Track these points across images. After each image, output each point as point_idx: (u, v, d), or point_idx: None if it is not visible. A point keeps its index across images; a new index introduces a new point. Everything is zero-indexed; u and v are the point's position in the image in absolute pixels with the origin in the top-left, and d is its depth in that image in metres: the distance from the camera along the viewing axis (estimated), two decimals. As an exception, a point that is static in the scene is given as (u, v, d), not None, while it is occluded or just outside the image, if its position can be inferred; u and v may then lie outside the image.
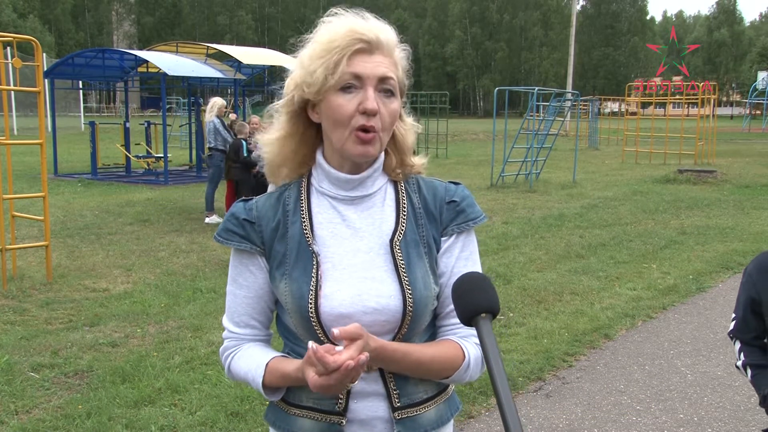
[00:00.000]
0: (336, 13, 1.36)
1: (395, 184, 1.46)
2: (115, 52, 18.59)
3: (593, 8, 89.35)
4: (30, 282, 6.72)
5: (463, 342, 1.42)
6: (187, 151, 21.15)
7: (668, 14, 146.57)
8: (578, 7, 61.70)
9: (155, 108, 43.44)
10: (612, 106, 56.37)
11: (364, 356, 1.20)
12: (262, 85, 21.73)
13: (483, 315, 1.12)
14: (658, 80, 27.21)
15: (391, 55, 1.35)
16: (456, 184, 1.49)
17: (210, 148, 10.71)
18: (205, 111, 14.54)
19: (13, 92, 19.25)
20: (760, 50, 74.66)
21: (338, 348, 1.21)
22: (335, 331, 1.21)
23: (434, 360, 1.39)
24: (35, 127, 12.21)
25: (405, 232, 1.41)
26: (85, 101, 44.28)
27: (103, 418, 3.85)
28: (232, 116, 10.64)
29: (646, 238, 9.13)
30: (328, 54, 1.30)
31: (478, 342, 1.41)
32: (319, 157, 1.42)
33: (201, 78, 17.53)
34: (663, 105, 31.95)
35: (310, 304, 1.34)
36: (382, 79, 1.32)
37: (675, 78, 35.48)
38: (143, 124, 19.20)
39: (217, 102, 10.99)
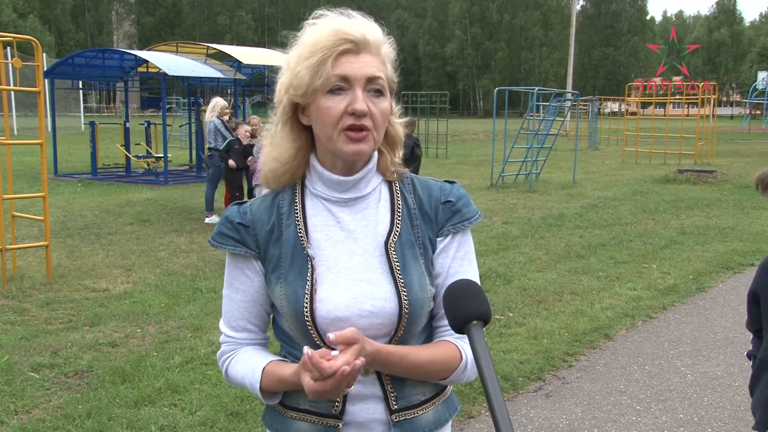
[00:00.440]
0: (321, 14, 1.35)
1: (390, 184, 1.45)
2: (115, 52, 18.59)
3: (593, 8, 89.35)
4: (30, 282, 6.72)
5: (459, 343, 1.42)
6: (187, 151, 21.15)
7: (668, 14, 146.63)
8: (578, 7, 61.72)
9: (155, 108, 43.46)
10: (612, 106, 56.38)
11: (360, 361, 1.20)
12: (262, 85, 21.72)
13: (474, 322, 1.12)
14: (658, 80, 27.22)
15: (379, 53, 1.34)
16: (451, 183, 1.48)
17: (210, 149, 10.71)
18: (205, 111, 14.55)
19: (13, 92, 19.24)
20: (760, 50, 74.66)
21: (334, 353, 1.21)
22: (330, 336, 1.20)
23: (431, 362, 1.38)
24: (35, 127, 12.22)
25: (400, 233, 1.40)
26: (85, 101, 44.29)
27: (103, 418, 3.85)
28: (225, 118, 10.62)
29: (646, 238, 9.13)
30: (313, 56, 1.29)
31: None
32: (312, 159, 1.41)
33: (201, 78, 17.53)
34: (663, 105, 31.96)
35: (306, 307, 1.33)
36: (371, 80, 1.31)
37: (675, 78, 35.49)
38: (143, 124, 19.20)
39: (218, 102, 11.00)
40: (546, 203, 12.54)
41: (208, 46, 18.40)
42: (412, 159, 10.32)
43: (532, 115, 15.80)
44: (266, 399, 1.42)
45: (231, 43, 44.57)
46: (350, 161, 1.36)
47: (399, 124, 1.46)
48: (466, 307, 1.14)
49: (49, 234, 6.95)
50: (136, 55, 17.11)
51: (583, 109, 31.22)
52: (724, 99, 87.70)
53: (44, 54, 24.78)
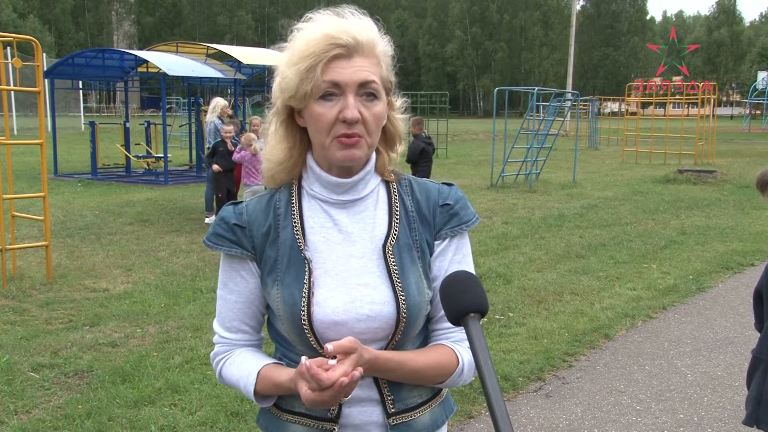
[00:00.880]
0: (311, 18, 1.34)
1: (387, 185, 1.44)
2: (115, 52, 18.59)
3: (593, 8, 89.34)
4: (30, 282, 6.72)
5: (456, 347, 1.41)
6: (187, 151, 21.14)
7: (668, 14, 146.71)
8: (578, 7, 61.71)
9: (155, 108, 43.41)
10: (612, 106, 56.36)
11: (359, 372, 1.19)
12: (262, 85, 21.71)
13: (471, 314, 1.11)
14: (658, 80, 27.20)
15: (372, 54, 1.32)
16: (449, 185, 1.47)
17: (209, 149, 10.71)
18: (205, 111, 14.55)
19: (13, 92, 19.25)
20: (760, 50, 74.64)
21: (331, 362, 1.20)
22: (329, 347, 1.19)
23: (428, 367, 1.38)
24: (35, 127, 12.23)
25: (398, 236, 1.38)
26: (85, 101, 44.30)
27: (103, 418, 3.85)
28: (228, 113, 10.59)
29: (646, 238, 9.13)
30: (302, 62, 1.27)
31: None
32: (309, 160, 1.40)
33: (201, 78, 17.52)
34: (663, 105, 31.97)
35: (303, 311, 1.32)
36: (363, 84, 1.29)
37: (675, 78, 35.50)
38: (143, 124, 19.21)
39: (219, 103, 11.00)
40: (546, 203, 12.54)
41: (208, 46, 18.39)
42: (423, 160, 10.15)
43: (532, 115, 15.80)
44: (260, 402, 1.41)
45: (231, 43, 44.59)
46: (346, 165, 1.36)
47: (400, 120, 1.44)
48: (463, 300, 1.13)
49: (49, 234, 6.94)
50: (136, 55, 17.11)
51: (583, 109, 31.22)
52: (724, 99, 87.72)
53: (44, 54, 24.78)
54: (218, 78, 17.49)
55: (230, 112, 12.16)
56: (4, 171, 7.29)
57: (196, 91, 22.66)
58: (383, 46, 1.35)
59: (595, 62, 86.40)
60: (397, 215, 1.41)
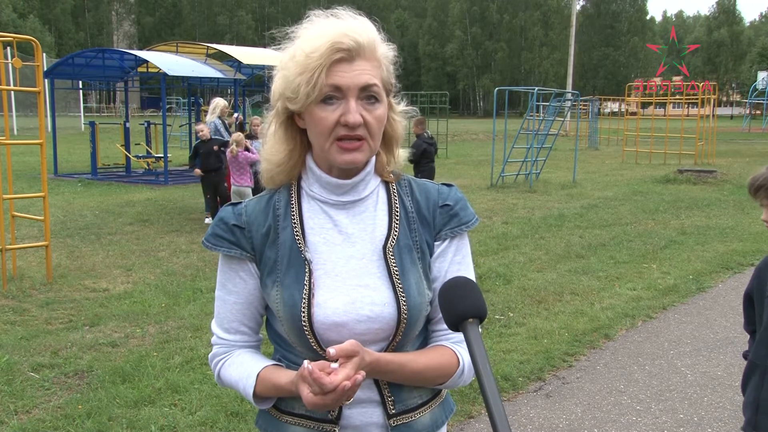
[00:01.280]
0: (310, 20, 1.33)
1: (387, 186, 1.43)
2: (115, 52, 18.59)
3: (593, 8, 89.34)
4: (30, 282, 6.72)
5: (456, 348, 1.41)
6: (187, 151, 21.12)
7: (668, 14, 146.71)
8: (578, 7, 61.72)
9: (155, 108, 43.40)
10: (612, 106, 56.37)
11: (361, 375, 1.19)
12: (262, 85, 21.71)
13: (470, 320, 1.12)
14: (658, 80, 27.20)
15: (374, 56, 1.31)
16: (449, 186, 1.47)
17: None
18: (205, 111, 14.54)
19: (13, 92, 19.25)
20: (760, 50, 74.65)
21: (333, 366, 1.19)
22: (331, 350, 1.19)
23: (429, 368, 1.38)
24: (35, 127, 12.23)
25: (398, 237, 1.38)
26: (85, 101, 44.31)
27: (103, 418, 3.85)
28: (232, 119, 10.56)
29: (646, 238, 9.13)
30: (308, 70, 1.27)
31: None
32: (309, 161, 1.40)
33: (201, 78, 17.53)
34: (663, 105, 31.97)
35: (303, 312, 1.32)
36: (364, 88, 1.29)
37: (675, 78, 35.49)
38: (143, 124, 19.21)
39: (219, 103, 10.99)
40: (546, 203, 12.54)
41: (208, 46, 18.40)
42: (425, 160, 10.10)
43: (532, 115, 15.80)
44: (258, 404, 1.41)
45: (231, 43, 44.57)
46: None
47: (400, 123, 1.43)
48: (461, 305, 1.13)
49: (49, 234, 6.94)
50: (136, 55, 17.11)
51: (583, 109, 31.23)
52: (724, 99, 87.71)
53: (44, 54, 24.78)
54: (218, 78, 17.49)
55: (230, 111, 12.17)
56: (4, 171, 7.29)
57: (196, 91, 22.67)
58: (384, 48, 1.35)
59: (595, 62, 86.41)
60: (397, 216, 1.40)
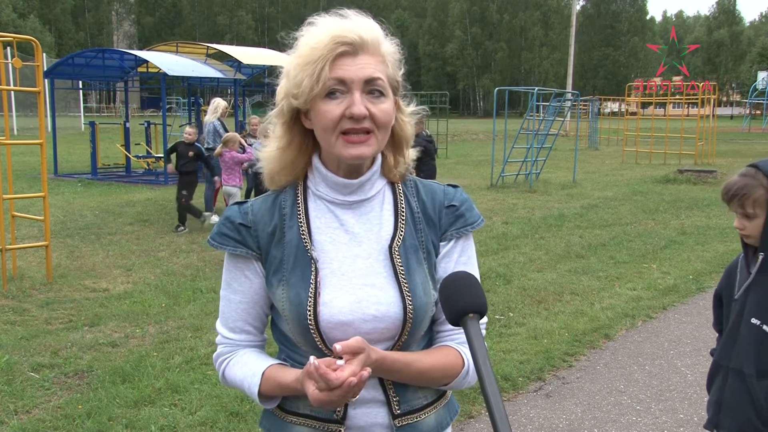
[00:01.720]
0: (314, 21, 1.33)
1: (393, 186, 1.43)
2: (115, 52, 18.59)
3: (593, 8, 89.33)
4: (30, 282, 6.72)
5: (461, 348, 1.41)
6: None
7: (668, 14, 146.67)
8: (578, 7, 61.73)
9: (155, 108, 43.39)
10: (612, 106, 56.37)
11: (367, 372, 1.19)
12: (262, 85, 21.71)
13: (470, 315, 1.12)
14: (658, 80, 27.20)
15: (378, 52, 1.32)
16: (454, 187, 1.47)
17: (208, 149, 10.71)
18: (204, 111, 14.54)
19: (13, 92, 19.25)
20: (760, 50, 74.65)
21: (339, 362, 1.20)
22: (337, 346, 1.19)
23: (434, 368, 1.38)
24: (35, 127, 12.23)
25: (404, 237, 1.38)
26: (85, 101, 44.29)
27: (103, 418, 3.85)
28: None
29: (646, 238, 9.13)
30: (311, 64, 1.27)
31: None
32: (316, 161, 1.40)
33: (201, 78, 17.53)
34: (663, 105, 31.97)
35: (309, 311, 1.32)
36: (369, 81, 1.29)
37: (675, 78, 35.49)
38: (143, 124, 19.20)
39: (221, 104, 10.99)
40: (546, 203, 12.54)
41: (208, 46, 18.40)
42: (427, 158, 10.08)
43: (532, 115, 15.80)
44: (264, 403, 1.41)
45: (231, 43, 44.56)
46: (355, 164, 1.35)
47: (409, 123, 1.43)
48: (462, 300, 1.13)
49: (49, 234, 6.94)
50: (136, 55, 17.11)
51: (583, 109, 31.22)
52: (724, 99, 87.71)
53: (44, 54, 24.78)
54: (218, 78, 17.49)
55: (231, 111, 12.17)
56: (4, 171, 7.29)
57: (196, 91, 22.67)
58: (388, 45, 1.35)
59: (595, 62, 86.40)
60: (403, 216, 1.40)
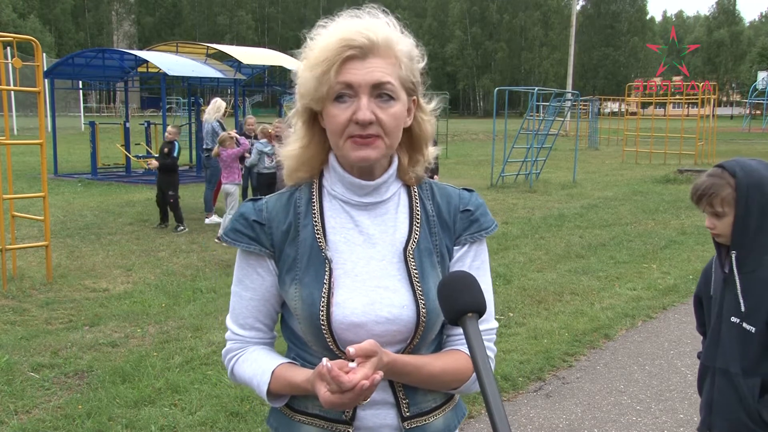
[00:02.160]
0: (328, 22, 1.33)
1: (408, 189, 1.43)
2: (115, 52, 18.61)
3: (593, 8, 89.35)
4: (30, 282, 6.72)
5: None
6: (187, 151, 21.13)
7: (668, 14, 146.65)
8: (578, 7, 61.73)
9: (155, 108, 43.39)
10: (612, 106, 56.37)
11: (379, 375, 1.19)
12: (262, 85, 21.70)
13: (469, 314, 1.11)
14: (658, 80, 27.20)
15: (389, 54, 1.30)
16: (470, 191, 1.46)
17: (207, 149, 10.71)
18: (204, 111, 14.53)
19: (13, 92, 19.25)
20: (760, 50, 74.61)
21: (352, 365, 1.19)
22: (350, 349, 1.19)
23: (444, 372, 1.37)
24: (35, 127, 12.23)
25: (419, 240, 1.38)
26: (85, 101, 44.30)
27: (103, 418, 3.85)
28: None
29: (646, 238, 9.13)
30: (319, 66, 1.27)
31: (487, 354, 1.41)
32: (332, 160, 1.39)
33: (201, 78, 17.53)
34: (663, 105, 31.97)
35: (322, 311, 1.31)
36: (377, 86, 1.28)
37: (675, 78, 35.46)
38: (143, 124, 19.19)
39: (221, 104, 10.99)
40: (546, 203, 12.54)
41: (208, 46, 18.41)
42: None
43: (532, 115, 15.81)
44: (272, 402, 1.40)
45: (231, 43, 44.57)
46: (365, 166, 1.34)
47: (429, 122, 1.42)
48: (461, 300, 1.13)
49: (49, 234, 6.94)
50: (136, 55, 17.12)
51: (583, 109, 31.21)
52: (724, 99, 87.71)
53: (44, 54, 24.78)
54: (218, 78, 17.50)
55: (231, 111, 12.17)
56: (4, 171, 7.29)
57: (196, 91, 22.67)
58: (403, 45, 1.33)
59: (595, 62, 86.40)
60: (418, 219, 1.40)
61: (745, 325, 2.09)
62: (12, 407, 4.01)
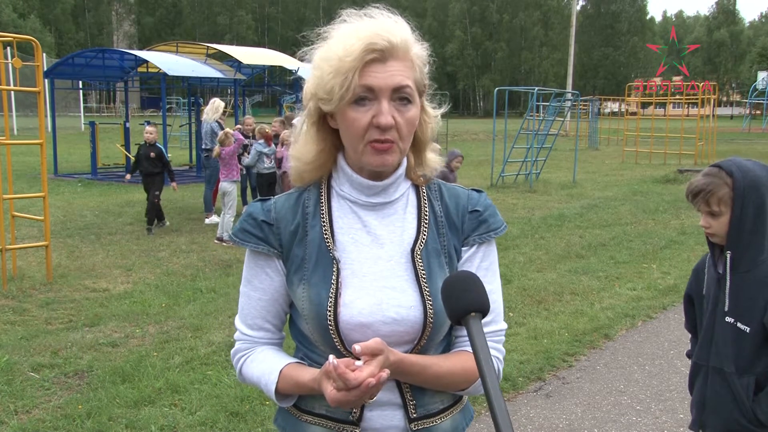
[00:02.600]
0: (342, 20, 1.32)
1: (417, 189, 1.43)
2: (115, 52, 18.61)
3: (593, 8, 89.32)
4: (30, 282, 6.72)
5: None
6: (187, 151, 21.14)
7: (668, 14, 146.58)
8: (578, 7, 61.73)
9: (155, 108, 43.45)
10: (612, 106, 56.36)
11: (385, 373, 1.19)
12: (262, 85, 21.70)
13: (473, 314, 1.11)
14: (658, 80, 27.19)
15: (407, 56, 1.30)
16: (479, 192, 1.46)
17: (206, 150, 10.70)
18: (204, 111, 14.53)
19: (13, 92, 19.25)
20: (760, 50, 74.58)
21: (358, 363, 1.19)
22: (357, 347, 1.19)
23: (451, 373, 1.37)
24: (35, 127, 12.22)
25: (426, 241, 1.38)
26: (85, 101, 44.30)
27: (103, 418, 3.85)
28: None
29: (646, 238, 9.13)
30: (341, 73, 1.26)
31: (495, 355, 1.40)
32: (341, 160, 1.39)
33: (201, 78, 17.53)
34: (663, 105, 31.96)
35: (329, 311, 1.31)
36: (397, 89, 1.28)
37: (675, 78, 35.45)
38: (143, 124, 19.15)
39: (221, 104, 10.99)
40: (546, 203, 12.54)
41: (208, 46, 18.42)
42: None
43: (532, 115, 15.81)
44: (280, 401, 1.40)
45: (231, 43, 44.59)
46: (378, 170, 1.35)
47: (430, 124, 1.42)
48: (464, 299, 1.13)
49: (49, 234, 6.94)
50: (136, 55, 17.12)
51: (583, 109, 31.21)
52: (724, 99, 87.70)
53: (44, 54, 24.78)
54: (218, 78, 17.50)
55: (231, 111, 12.17)
56: (4, 171, 7.29)
57: (196, 91, 22.67)
58: (417, 48, 1.34)
59: (595, 62, 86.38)
60: (426, 220, 1.40)
61: (739, 324, 2.10)
62: (12, 407, 4.01)
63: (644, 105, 29.17)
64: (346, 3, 1.53)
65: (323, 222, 1.37)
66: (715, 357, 2.16)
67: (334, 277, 1.33)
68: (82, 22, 76.41)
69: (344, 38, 1.28)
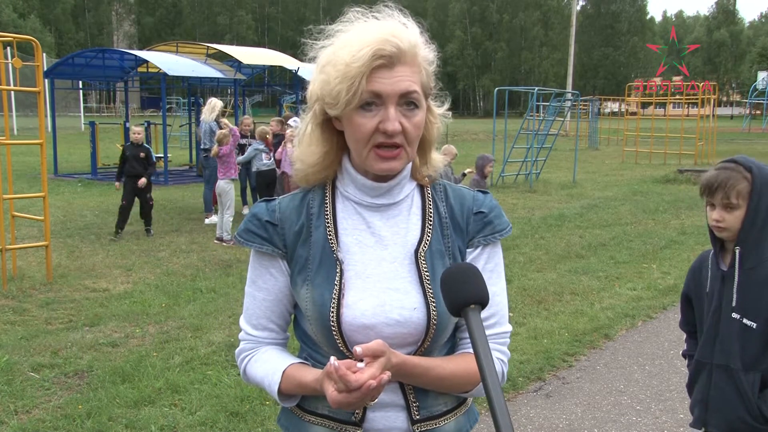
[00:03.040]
0: (348, 20, 1.30)
1: (422, 190, 1.42)
2: (115, 52, 18.59)
3: (593, 8, 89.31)
4: (30, 282, 6.72)
5: None
6: (187, 151, 21.14)
7: (668, 14, 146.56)
8: (578, 7, 61.72)
9: (155, 108, 43.42)
10: (612, 106, 56.35)
11: (387, 375, 1.18)
12: (262, 85, 21.70)
13: (472, 306, 1.11)
14: (658, 80, 27.20)
15: (414, 61, 1.29)
16: (484, 193, 1.45)
17: (204, 149, 10.70)
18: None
19: (13, 92, 19.25)
20: (760, 50, 74.58)
21: (360, 365, 1.19)
22: (358, 349, 1.19)
23: (455, 375, 1.36)
24: (35, 127, 12.23)
25: (430, 242, 1.37)
26: (85, 101, 44.29)
27: (103, 418, 3.85)
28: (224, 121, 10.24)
29: (646, 238, 9.13)
30: (348, 78, 1.24)
31: (499, 357, 1.40)
32: (345, 162, 1.39)
33: (201, 78, 17.53)
34: (663, 105, 31.96)
35: (332, 312, 1.31)
36: (404, 94, 1.27)
37: (675, 78, 35.45)
38: (143, 124, 19.16)
39: (218, 104, 10.98)
40: (546, 203, 12.54)
41: (208, 46, 18.40)
42: None
43: (532, 115, 15.81)
44: (283, 401, 1.40)
45: (231, 43, 44.59)
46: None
47: (436, 126, 1.42)
48: (464, 291, 1.12)
49: (49, 234, 6.94)
50: (136, 55, 17.11)
51: (583, 109, 31.21)
52: (724, 99, 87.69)
53: (44, 54, 24.78)
54: (218, 78, 17.49)
55: (230, 111, 12.16)
56: (4, 171, 7.29)
57: (196, 91, 22.66)
58: (425, 51, 1.33)
59: (595, 62, 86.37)
60: (431, 221, 1.39)
61: (746, 321, 2.11)
62: (12, 407, 4.01)
63: (644, 105, 29.17)
64: (346, 3, 1.52)
65: (327, 223, 1.37)
66: (719, 354, 2.16)
67: (337, 278, 1.33)
68: (82, 22, 76.39)
69: (351, 43, 1.27)
